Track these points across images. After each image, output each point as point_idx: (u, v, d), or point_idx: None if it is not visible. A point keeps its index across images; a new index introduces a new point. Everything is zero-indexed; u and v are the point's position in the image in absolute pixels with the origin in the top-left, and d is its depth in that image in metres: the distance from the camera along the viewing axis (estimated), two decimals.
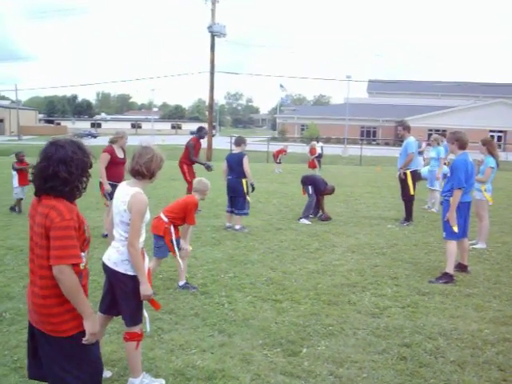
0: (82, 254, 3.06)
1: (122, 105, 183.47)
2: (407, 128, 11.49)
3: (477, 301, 6.28)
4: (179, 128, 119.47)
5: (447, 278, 7.02)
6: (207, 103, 39.72)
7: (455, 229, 7.01)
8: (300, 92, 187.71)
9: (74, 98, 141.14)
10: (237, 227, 10.16)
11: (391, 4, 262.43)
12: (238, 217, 10.26)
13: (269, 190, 17.11)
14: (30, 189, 12.19)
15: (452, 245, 7.12)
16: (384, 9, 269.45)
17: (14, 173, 12.11)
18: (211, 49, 36.54)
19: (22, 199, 11.94)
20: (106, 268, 4.04)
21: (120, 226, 4.01)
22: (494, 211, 13.35)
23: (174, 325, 5.32)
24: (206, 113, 40.74)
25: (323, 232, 10.12)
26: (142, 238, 4.04)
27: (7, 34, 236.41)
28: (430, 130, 67.10)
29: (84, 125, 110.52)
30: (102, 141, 66.33)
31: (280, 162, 26.04)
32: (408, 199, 11.26)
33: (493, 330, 5.34)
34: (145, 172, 4.06)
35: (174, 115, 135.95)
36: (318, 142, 26.85)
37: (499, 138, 66.30)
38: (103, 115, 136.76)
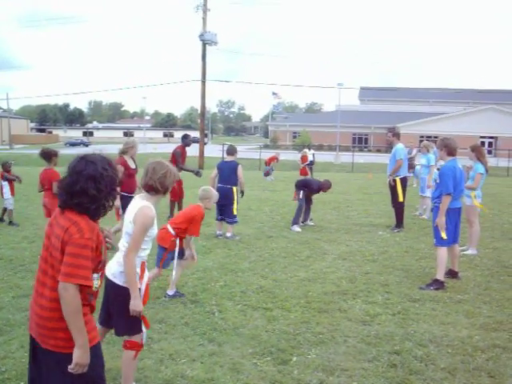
0: (96, 275, 2.96)
1: (114, 113, 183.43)
2: (396, 135, 11.55)
3: (467, 307, 6.28)
4: (171, 136, 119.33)
5: (438, 284, 7.03)
6: (199, 111, 39.75)
7: (443, 235, 7.02)
8: (292, 99, 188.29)
9: (66, 106, 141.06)
10: (228, 235, 10.15)
11: (381, 12, 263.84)
12: (229, 225, 10.25)
13: (260, 197, 17.11)
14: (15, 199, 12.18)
15: (442, 251, 7.13)
16: (374, 17, 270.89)
17: (5, 183, 11.85)
18: (202, 57, 36.63)
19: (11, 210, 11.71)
20: (107, 280, 4.01)
21: (125, 237, 4.04)
22: (484, 217, 13.38)
23: (163, 334, 5.29)
24: (198, 121, 40.69)
25: (314, 239, 10.11)
26: (146, 252, 4.06)
27: (0, 43, 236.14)
28: (422, 137, 67.28)
29: (76, 133, 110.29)
30: (94, 149, 66.38)
31: (272, 170, 26.02)
32: (398, 206, 11.32)
33: (483, 337, 5.34)
34: (159, 188, 4.08)
35: (166, 123, 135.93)
36: (309, 149, 26.80)
37: (490, 144, 66.69)
38: (95, 124, 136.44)
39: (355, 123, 74.37)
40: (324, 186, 11.52)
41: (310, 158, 24.62)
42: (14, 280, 7.16)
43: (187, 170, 12.31)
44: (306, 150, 25.06)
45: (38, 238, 9.38)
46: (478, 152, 9.20)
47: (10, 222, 11.39)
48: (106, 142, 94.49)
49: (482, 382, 4.38)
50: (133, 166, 9.13)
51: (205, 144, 40.69)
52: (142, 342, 4.05)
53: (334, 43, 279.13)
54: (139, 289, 3.95)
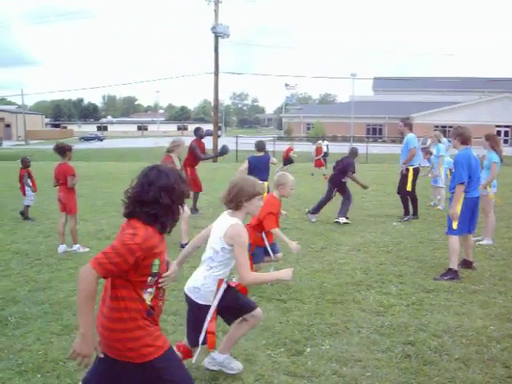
0: (150, 289, 2.95)
1: (128, 107, 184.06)
2: (408, 125, 11.58)
3: (482, 297, 6.25)
4: (185, 129, 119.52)
5: (452, 274, 6.99)
6: (212, 104, 39.79)
7: (454, 225, 6.96)
8: (305, 91, 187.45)
9: (80, 101, 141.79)
10: None
11: (395, 2, 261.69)
12: None
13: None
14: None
15: (453, 240, 7.06)
16: (388, 7, 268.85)
17: (28, 180, 11.84)
18: (215, 49, 36.62)
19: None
20: (184, 293, 4.11)
21: (209, 251, 4.04)
22: (500, 206, 13.28)
23: (178, 326, 5.32)
24: (212, 114, 40.73)
25: (328, 231, 10.11)
26: (227, 270, 4.06)
27: (12, 40, 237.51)
28: (437, 127, 66.62)
29: (90, 128, 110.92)
30: (108, 144, 66.61)
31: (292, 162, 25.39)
32: (405, 194, 11.37)
33: (498, 327, 5.32)
34: (244, 205, 4.07)
35: (179, 117, 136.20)
36: (323, 140, 26.85)
37: (506, 133, 66.05)
38: (109, 118, 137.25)
39: (369, 114, 74.04)
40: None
41: (324, 149, 24.67)
42: (30, 274, 7.23)
43: (209, 158, 12.71)
44: (321, 142, 25.09)
45: (54, 233, 9.46)
46: (492, 141, 9.14)
47: (26, 217, 11.47)
48: (120, 137, 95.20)
49: (496, 372, 4.37)
50: (179, 165, 8.92)
51: (218, 137, 40.69)
52: (189, 351, 4.13)
53: (347, 33, 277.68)
54: (209, 306, 3.97)
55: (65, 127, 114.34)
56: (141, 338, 2.93)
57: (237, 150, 33.62)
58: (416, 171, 11.32)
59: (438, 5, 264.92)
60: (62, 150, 8.41)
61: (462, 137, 7.21)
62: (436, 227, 10.55)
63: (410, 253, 8.42)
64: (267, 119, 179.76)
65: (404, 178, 11.31)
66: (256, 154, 10.32)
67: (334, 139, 50.96)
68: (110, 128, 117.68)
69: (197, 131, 12.88)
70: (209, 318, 3.94)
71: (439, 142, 13.27)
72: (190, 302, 4.04)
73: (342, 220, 10.97)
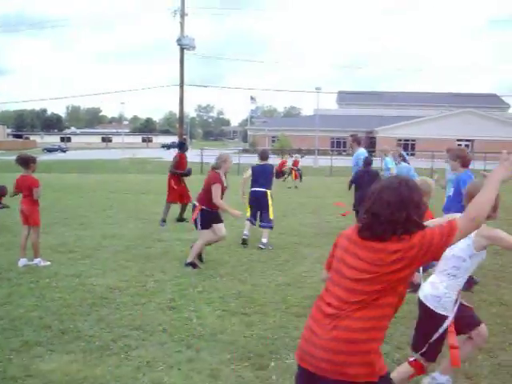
0: None
1: (92, 118, 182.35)
2: (357, 140, 12.02)
3: None
4: (150, 141, 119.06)
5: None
6: (178, 116, 39.65)
7: None
8: (271, 104, 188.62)
9: (44, 111, 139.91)
10: (264, 241, 9.84)
11: (361, 16, 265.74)
12: (265, 230, 9.99)
13: (238, 202, 17.04)
14: None
15: None
16: (353, 21, 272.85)
17: None
18: (180, 62, 36.52)
19: None
20: (418, 300, 4.03)
21: (451, 259, 3.93)
22: None
23: (141, 341, 5.25)
24: (177, 126, 40.58)
25: (293, 244, 10.12)
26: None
27: None
28: (400, 140, 68.00)
29: (53, 139, 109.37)
30: (72, 155, 65.81)
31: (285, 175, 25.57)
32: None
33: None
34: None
35: (144, 128, 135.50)
36: (299, 154, 27.98)
37: (466, 147, 67.35)
38: (73, 129, 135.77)
39: (334, 127, 74.76)
40: None
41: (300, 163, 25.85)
42: None
43: (178, 174, 12.84)
44: (298, 155, 26.26)
45: (15, 246, 9.24)
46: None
47: None
48: (84, 148, 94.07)
49: (459, 383, 4.42)
50: (225, 182, 8.55)
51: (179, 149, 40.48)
52: (424, 370, 4.01)
53: (313, 47, 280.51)
54: (446, 316, 3.90)
55: (27, 138, 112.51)
56: (377, 352, 2.71)
57: (202, 163, 33.49)
58: None
59: (402, 20, 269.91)
60: (26, 162, 8.24)
61: (462, 159, 7.19)
62: None
63: None
64: (233, 132, 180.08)
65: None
66: (259, 162, 10.35)
67: (298, 152, 51.22)
68: (74, 139, 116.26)
69: (181, 146, 13.54)
70: (448, 329, 3.86)
71: (385, 155, 13.50)
72: (426, 310, 3.95)
73: None
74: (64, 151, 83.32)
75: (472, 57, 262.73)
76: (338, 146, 74.70)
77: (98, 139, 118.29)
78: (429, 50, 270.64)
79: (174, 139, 51.01)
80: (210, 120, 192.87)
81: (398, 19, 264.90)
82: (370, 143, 74.15)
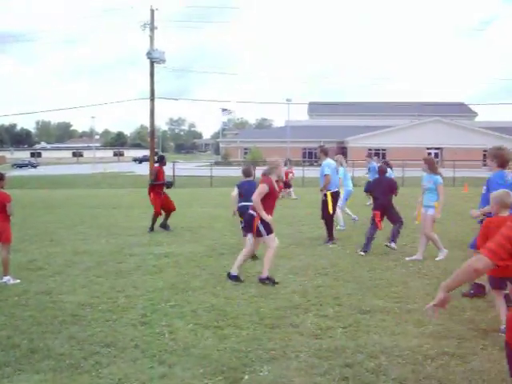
0: None
1: (62, 133, 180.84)
2: (324, 151, 12.36)
3: (417, 316, 6.34)
4: (121, 155, 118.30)
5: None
6: (149, 130, 39.50)
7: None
8: (242, 116, 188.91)
9: (13, 127, 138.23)
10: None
11: (329, 27, 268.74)
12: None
13: (212, 214, 17.04)
14: None
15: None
16: (323, 32, 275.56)
17: None
18: (150, 75, 36.51)
19: None
20: None
21: None
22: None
23: (112, 358, 5.15)
24: (148, 139, 40.38)
25: None
26: None
27: None
28: (370, 150, 68.42)
29: (23, 154, 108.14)
30: (43, 170, 65.02)
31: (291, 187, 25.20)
32: (328, 218, 11.63)
33: (433, 345, 5.40)
34: None
35: (115, 142, 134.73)
36: (285, 165, 27.96)
37: (436, 155, 68.38)
38: (43, 144, 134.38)
39: (305, 138, 75.19)
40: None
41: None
42: None
43: (160, 184, 13.54)
44: (286, 167, 26.05)
45: None
46: (430, 164, 9.76)
47: None
48: (55, 163, 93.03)
49: None
50: (277, 187, 8.48)
51: (155, 162, 40.35)
52: None
53: (284, 59, 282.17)
54: None
55: None
56: None
57: (174, 176, 33.33)
58: (334, 195, 11.74)
59: (371, 31, 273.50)
60: None
61: (499, 159, 7.04)
62: (371, 248, 10.72)
63: (346, 274, 8.50)
64: (204, 144, 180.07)
65: (324, 203, 11.65)
66: (244, 179, 10.50)
67: (286, 162, 51.37)
68: (44, 154, 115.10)
69: (161, 159, 14.33)
70: None
71: (341, 165, 13.71)
72: None
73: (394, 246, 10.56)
74: (34, 167, 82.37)
75: (440, 66, 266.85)
76: (310, 157, 74.96)
77: (68, 154, 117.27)
78: (398, 60, 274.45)
79: (146, 153, 50.74)
80: (182, 133, 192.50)
81: (368, 30, 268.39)
82: (342, 153, 74.72)
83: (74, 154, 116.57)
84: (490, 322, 6.11)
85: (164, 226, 13.52)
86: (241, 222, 9.81)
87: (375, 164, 21.33)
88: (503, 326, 5.12)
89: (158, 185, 13.57)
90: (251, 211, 8.16)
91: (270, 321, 6.20)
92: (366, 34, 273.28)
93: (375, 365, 4.91)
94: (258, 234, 8.13)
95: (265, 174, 8.36)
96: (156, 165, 14.30)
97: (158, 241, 11.81)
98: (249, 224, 8.20)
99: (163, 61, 37.20)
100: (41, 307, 6.81)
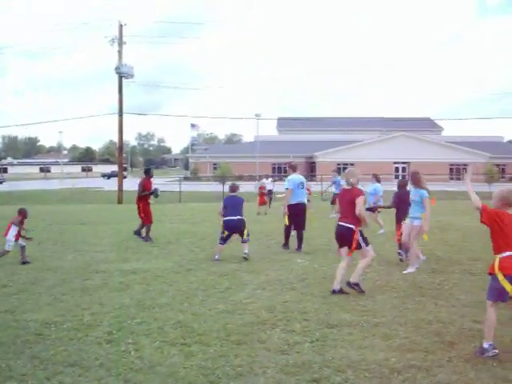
0: None
1: (29, 148, 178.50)
2: (292, 167, 13.25)
3: (384, 330, 6.38)
4: (90, 170, 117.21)
5: None
6: (117, 145, 39.23)
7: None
8: (212, 131, 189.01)
9: None
10: (246, 251, 11.24)
11: (298, 42, 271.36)
12: (245, 244, 11.29)
13: (180, 230, 16.94)
14: None
15: None
16: (292, 47, 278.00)
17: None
18: (119, 90, 36.35)
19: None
20: None
21: None
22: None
23: (76, 377, 5.04)
24: (117, 154, 40.06)
25: (234, 271, 10.05)
26: None
27: None
28: (339, 164, 69.09)
29: None
30: (9, 186, 63.94)
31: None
32: (285, 229, 12.77)
33: (399, 358, 5.42)
34: None
35: (84, 158, 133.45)
36: (267, 178, 28.11)
37: (403, 169, 69.33)
38: (10, 159, 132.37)
39: (274, 153, 75.54)
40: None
41: (270, 186, 26.34)
42: None
43: (146, 195, 14.48)
44: (264, 180, 26.67)
45: None
46: (415, 179, 10.17)
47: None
48: (21, 179, 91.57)
49: None
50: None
51: (124, 178, 40.13)
52: None
53: (253, 75, 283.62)
54: None
55: None
56: None
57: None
58: (290, 208, 12.40)
59: (339, 48, 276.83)
60: None
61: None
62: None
63: (313, 289, 8.50)
64: (174, 159, 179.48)
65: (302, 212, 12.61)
66: (230, 194, 11.71)
67: (240, 178, 51.39)
68: (11, 170, 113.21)
69: (147, 171, 15.35)
70: None
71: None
72: None
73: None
74: (0, 182, 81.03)
75: (406, 82, 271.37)
76: (279, 172, 75.32)
77: (36, 169, 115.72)
78: (365, 75, 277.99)
79: (114, 168, 50.34)
80: (151, 148, 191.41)
81: (336, 46, 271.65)
82: (311, 168, 75.30)
83: (42, 170, 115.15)
84: (455, 335, 6.17)
85: (138, 233, 14.40)
86: (224, 234, 11.23)
87: (339, 178, 21.80)
88: (487, 344, 5.16)
89: (145, 196, 14.47)
90: (349, 225, 8.26)
91: (237, 337, 6.16)
92: (335, 50, 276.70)
93: (342, 379, 4.91)
94: (358, 247, 8.27)
95: (352, 186, 8.53)
96: (143, 177, 15.09)
97: (126, 257, 11.68)
98: (348, 238, 8.29)
99: (132, 76, 37.09)
100: (3, 326, 6.66)
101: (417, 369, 5.15)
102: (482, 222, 5.55)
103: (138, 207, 14.50)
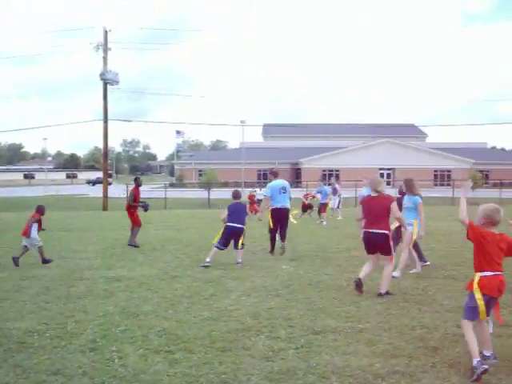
0: None
1: (13, 155, 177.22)
2: (274, 173, 13.74)
3: (368, 336, 6.40)
4: (75, 177, 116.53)
5: None
6: (102, 151, 39.05)
7: None
8: (197, 137, 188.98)
9: None
10: (239, 260, 11.49)
11: (282, 50, 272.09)
12: (240, 251, 11.59)
13: (165, 237, 16.89)
14: None
15: None
16: (278, 54, 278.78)
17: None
18: (104, 96, 36.20)
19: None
20: None
21: None
22: None
23: None
24: (102, 161, 39.89)
25: (219, 277, 10.04)
26: None
27: None
28: (324, 171, 69.48)
29: None
30: None
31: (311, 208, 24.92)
32: (270, 232, 13.21)
33: (383, 364, 5.44)
34: None
35: (69, 164, 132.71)
36: (260, 189, 28.91)
37: (388, 175, 69.69)
38: None
39: (259, 159, 75.61)
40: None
41: (261, 197, 25.91)
42: None
43: (136, 206, 15.05)
44: (257, 190, 27.52)
45: None
46: (409, 186, 10.48)
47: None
48: (5, 186, 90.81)
49: None
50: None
51: (109, 184, 39.97)
52: None
53: (239, 82, 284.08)
54: None
55: None
56: None
57: (127, 197, 32.93)
58: (272, 212, 13.01)
59: (324, 52, 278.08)
60: None
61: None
62: (323, 268, 10.82)
63: (298, 295, 8.51)
64: (159, 166, 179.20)
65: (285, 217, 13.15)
66: (233, 201, 11.85)
67: (225, 185, 51.37)
68: None
69: (136, 180, 15.63)
70: None
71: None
72: None
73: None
74: None
75: (391, 88, 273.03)
76: (265, 178, 75.49)
77: (19, 176, 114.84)
78: (349, 82, 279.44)
79: (100, 175, 50.21)
80: (136, 155, 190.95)
81: (321, 52, 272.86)
82: (296, 174, 75.43)
83: (26, 176, 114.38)
84: (439, 340, 6.21)
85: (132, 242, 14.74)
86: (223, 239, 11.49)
87: (326, 188, 22.09)
88: (475, 361, 5.10)
89: (134, 206, 15.02)
90: (383, 231, 8.47)
91: (222, 344, 6.15)
92: (320, 56, 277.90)
93: None
94: (388, 253, 8.58)
95: (379, 192, 8.70)
96: (132, 186, 15.61)
97: (110, 264, 11.62)
98: (382, 244, 8.52)
99: (117, 82, 36.96)
100: None
101: (401, 374, 5.17)
102: (467, 238, 5.56)
103: (128, 213, 15.04)
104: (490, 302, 5.40)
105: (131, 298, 8.44)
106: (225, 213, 11.74)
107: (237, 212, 11.65)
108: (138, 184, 15.45)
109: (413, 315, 7.32)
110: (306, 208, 24.44)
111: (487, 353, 5.45)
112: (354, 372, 5.23)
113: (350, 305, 7.87)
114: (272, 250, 13.04)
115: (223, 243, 11.54)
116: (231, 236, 11.56)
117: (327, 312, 7.44)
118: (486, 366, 5.05)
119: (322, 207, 22.41)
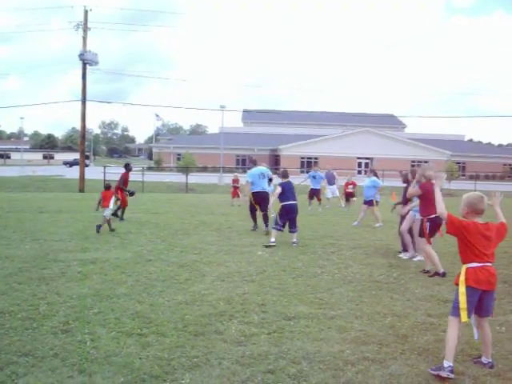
0: None
1: None
2: (253, 161, 15.99)
3: (340, 322, 6.48)
4: (51, 158, 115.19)
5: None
6: (80, 133, 38.67)
7: None
8: (176, 121, 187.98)
9: None
10: (295, 240, 12.27)
11: (265, 36, 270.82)
12: (295, 233, 12.36)
13: (141, 220, 16.83)
14: None
15: None
16: (259, 39, 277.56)
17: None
18: (83, 77, 35.82)
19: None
20: None
21: None
22: (359, 234, 14.02)
23: (30, 368, 4.98)
24: (79, 142, 39.48)
25: (193, 262, 10.04)
26: None
27: None
28: (303, 158, 69.64)
29: None
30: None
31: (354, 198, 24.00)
32: (250, 209, 14.92)
33: (353, 351, 5.51)
34: None
35: (46, 145, 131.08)
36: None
37: (366, 165, 70.05)
38: None
39: (238, 145, 75.52)
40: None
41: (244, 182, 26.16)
42: None
43: (126, 191, 16.94)
44: (237, 174, 27.00)
45: None
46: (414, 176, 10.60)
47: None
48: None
49: None
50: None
51: (86, 166, 39.64)
52: None
53: (219, 66, 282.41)
54: None
55: None
56: None
57: (104, 180, 32.73)
58: (253, 195, 14.48)
59: (305, 40, 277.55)
60: None
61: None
62: (299, 255, 10.89)
63: (272, 281, 8.56)
64: (138, 149, 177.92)
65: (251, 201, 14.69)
66: (283, 180, 12.60)
67: (203, 170, 51.27)
68: None
69: (127, 166, 17.51)
70: None
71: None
72: None
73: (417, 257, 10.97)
74: None
75: (371, 78, 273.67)
76: (243, 164, 75.40)
77: None
78: (330, 71, 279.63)
79: (77, 156, 49.66)
80: (115, 137, 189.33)
81: (304, 40, 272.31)
82: (275, 161, 75.48)
83: (1, 156, 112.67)
84: (409, 328, 6.31)
85: (115, 214, 16.08)
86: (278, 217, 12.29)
87: (319, 173, 22.28)
88: (446, 363, 4.91)
89: (123, 189, 16.74)
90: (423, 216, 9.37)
91: (195, 328, 6.17)
92: (302, 44, 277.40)
93: (297, 370, 4.97)
94: (423, 235, 9.38)
95: (426, 178, 9.56)
96: (123, 171, 17.18)
97: (85, 247, 11.54)
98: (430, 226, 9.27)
99: (96, 63, 36.58)
100: None
101: (370, 361, 5.24)
102: (448, 233, 5.28)
103: (117, 193, 16.07)
104: (485, 297, 5.12)
105: (105, 281, 8.41)
106: (278, 190, 12.38)
107: (291, 190, 12.41)
108: (128, 169, 17.25)
109: (384, 303, 7.42)
110: (349, 196, 23.80)
111: (485, 360, 5.22)
112: (325, 358, 5.30)
113: (323, 292, 7.94)
114: (255, 225, 14.72)
115: (283, 223, 12.27)
116: (290, 214, 12.23)
117: (300, 298, 7.51)
118: (452, 376, 4.83)
119: (313, 193, 22.06)
